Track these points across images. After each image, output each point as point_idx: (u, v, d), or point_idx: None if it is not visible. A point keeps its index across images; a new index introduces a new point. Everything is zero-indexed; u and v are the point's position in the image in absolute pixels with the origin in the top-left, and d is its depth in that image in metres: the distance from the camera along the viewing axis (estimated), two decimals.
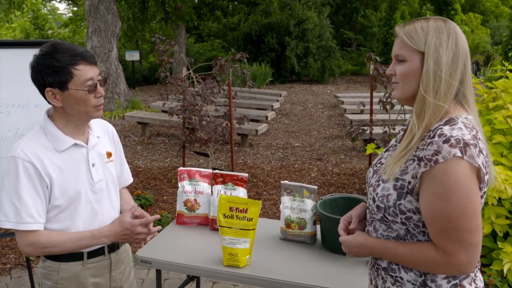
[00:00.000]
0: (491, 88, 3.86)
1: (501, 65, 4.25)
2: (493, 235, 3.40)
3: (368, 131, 5.36)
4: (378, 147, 4.49)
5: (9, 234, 2.85)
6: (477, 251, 1.25)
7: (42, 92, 1.64)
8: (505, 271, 2.92)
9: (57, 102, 1.63)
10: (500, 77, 4.09)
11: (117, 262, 1.86)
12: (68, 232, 1.68)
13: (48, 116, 1.71)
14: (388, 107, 4.90)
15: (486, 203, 3.13)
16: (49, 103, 1.67)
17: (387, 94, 4.92)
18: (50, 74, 1.59)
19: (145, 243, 1.88)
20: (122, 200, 1.96)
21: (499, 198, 3.14)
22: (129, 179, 2.04)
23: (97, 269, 1.79)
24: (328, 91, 13.96)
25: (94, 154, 1.76)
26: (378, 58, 4.99)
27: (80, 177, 1.70)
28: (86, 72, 1.61)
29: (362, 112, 8.91)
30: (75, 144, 1.70)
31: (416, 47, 1.31)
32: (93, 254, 1.77)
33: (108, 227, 1.73)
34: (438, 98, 1.29)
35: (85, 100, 1.63)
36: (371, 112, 5.35)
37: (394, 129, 5.04)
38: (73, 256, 1.73)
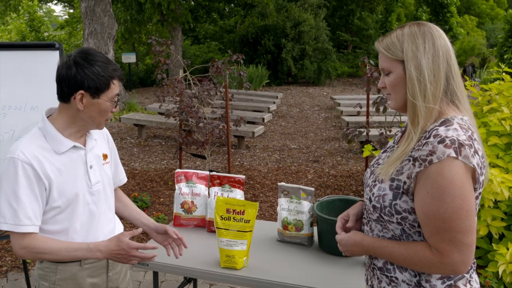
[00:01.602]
0: (485, 90, 3.88)
1: (497, 67, 4.27)
2: (488, 236, 3.41)
3: (364, 133, 5.37)
4: (375, 149, 4.50)
5: (5, 236, 2.84)
6: (470, 251, 1.26)
7: (71, 91, 1.62)
8: (500, 272, 2.93)
9: (80, 106, 1.64)
10: (496, 79, 4.12)
11: (114, 263, 1.86)
12: (65, 241, 1.68)
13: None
14: (381, 108, 4.91)
15: (482, 205, 3.15)
16: (62, 102, 1.66)
17: (379, 97, 4.94)
18: (92, 79, 1.61)
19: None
20: (126, 206, 1.99)
21: (496, 201, 3.15)
22: (124, 178, 2.05)
23: (94, 269, 1.79)
24: (325, 93, 13.99)
25: (92, 156, 1.77)
26: (372, 62, 5.01)
27: (78, 179, 1.70)
28: (116, 88, 1.68)
29: (358, 114, 8.96)
30: (74, 146, 1.70)
31: (395, 57, 1.34)
32: None
33: (105, 243, 1.69)
34: (427, 101, 1.30)
35: (106, 112, 1.69)
36: (368, 114, 5.36)
37: (390, 131, 5.05)
38: None
